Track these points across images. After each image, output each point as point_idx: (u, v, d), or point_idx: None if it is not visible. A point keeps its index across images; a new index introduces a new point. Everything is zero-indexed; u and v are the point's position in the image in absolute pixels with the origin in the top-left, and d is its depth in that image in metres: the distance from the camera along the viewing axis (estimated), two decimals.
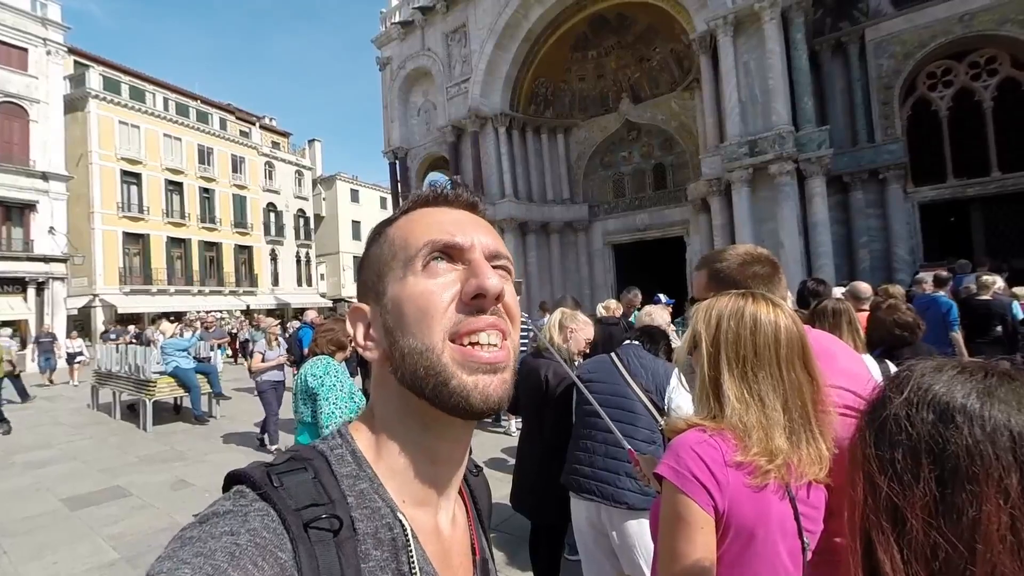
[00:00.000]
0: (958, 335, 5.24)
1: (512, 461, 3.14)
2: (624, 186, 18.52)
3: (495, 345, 0.49)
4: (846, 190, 13.10)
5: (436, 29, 18.55)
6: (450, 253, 0.50)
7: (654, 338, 2.34)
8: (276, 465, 0.46)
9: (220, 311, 26.16)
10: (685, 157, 16.75)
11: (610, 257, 18.75)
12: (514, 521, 3.90)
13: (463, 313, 0.48)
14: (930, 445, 0.44)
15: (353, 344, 0.54)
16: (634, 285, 6.32)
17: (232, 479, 0.46)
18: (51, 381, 13.91)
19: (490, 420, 7.66)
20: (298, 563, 0.39)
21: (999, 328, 5.51)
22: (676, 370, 2.13)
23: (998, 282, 5.96)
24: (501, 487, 4.67)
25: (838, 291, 4.55)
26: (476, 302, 0.49)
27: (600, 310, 5.90)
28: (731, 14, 12.08)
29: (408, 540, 0.47)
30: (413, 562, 0.46)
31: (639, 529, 2.01)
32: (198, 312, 20.34)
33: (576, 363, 2.67)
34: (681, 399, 2.09)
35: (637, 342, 2.33)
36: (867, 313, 3.97)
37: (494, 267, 0.52)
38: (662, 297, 5.58)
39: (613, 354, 2.28)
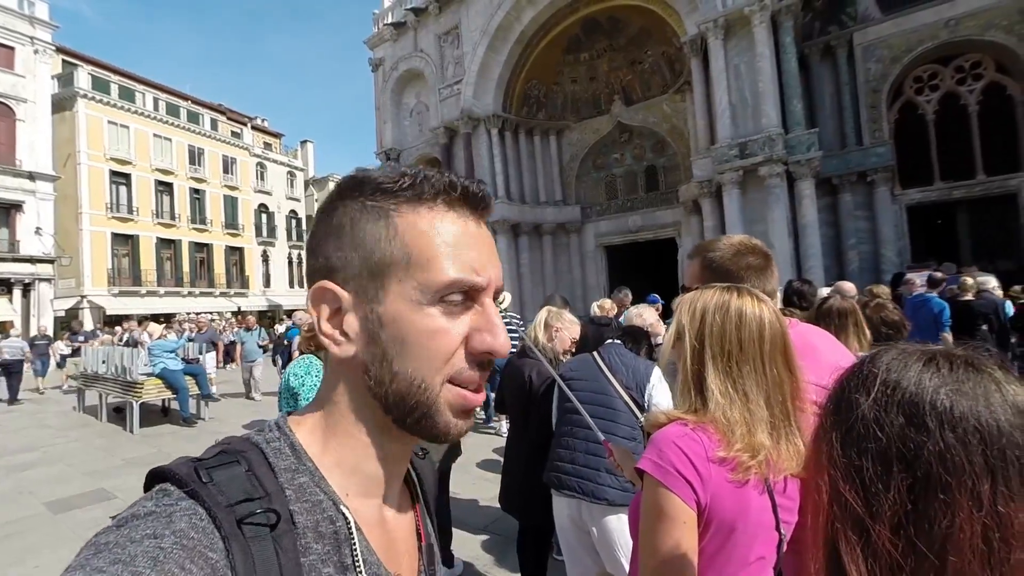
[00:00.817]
0: (948, 335, 5.32)
1: (502, 462, 3.15)
2: (616, 188, 18.60)
3: (479, 389, 0.49)
4: (835, 192, 13.24)
5: (429, 31, 18.55)
6: (468, 292, 0.48)
7: (636, 338, 2.35)
8: (205, 459, 0.43)
9: (211, 313, 25.92)
10: (677, 159, 16.85)
11: (602, 259, 18.82)
12: (503, 522, 3.88)
13: (468, 363, 0.48)
14: (901, 451, 0.42)
15: (316, 329, 0.48)
16: (625, 286, 6.34)
17: (154, 477, 0.43)
18: (40, 391, 12.73)
19: (481, 420, 7.64)
20: (231, 562, 0.37)
21: (984, 327, 5.62)
22: (656, 368, 2.14)
23: (991, 282, 6.07)
24: (492, 488, 4.65)
25: (824, 292, 4.59)
26: (484, 356, 0.48)
27: (595, 309, 5.92)
28: (721, 17, 12.19)
29: (351, 532, 0.46)
30: (356, 554, 0.45)
31: (619, 525, 2.02)
32: (187, 314, 20.14)
33: (562, 362, 2.67)
34: (661, 396, 2.10)
35: (619, 342, 2.34)
36: None
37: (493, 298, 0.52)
38: (658, 297, 5.59)
39: (595, 352, 2.29)
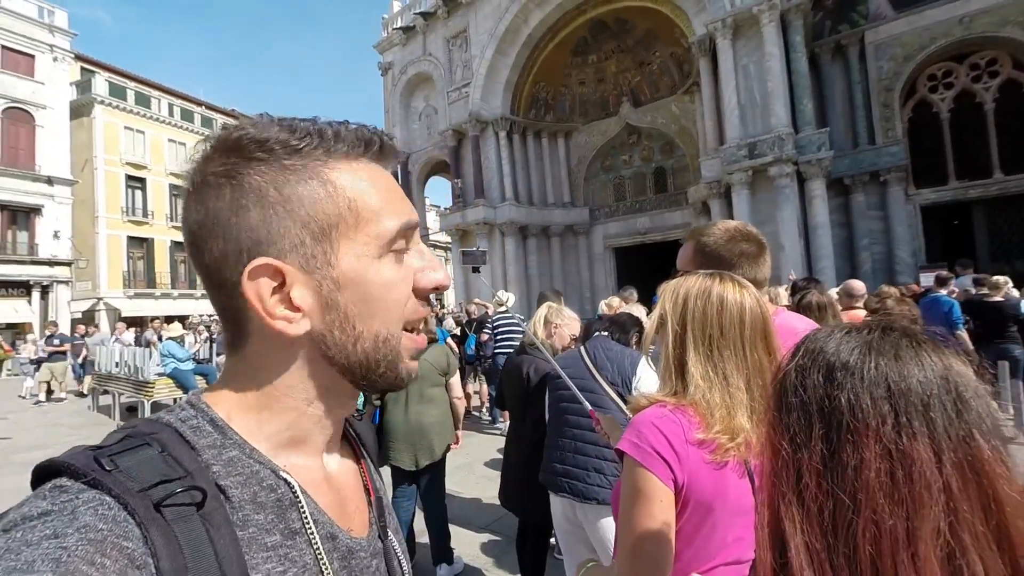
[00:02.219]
0: (963, 333, 5.24)
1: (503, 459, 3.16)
2: (625, 189, 18.55)
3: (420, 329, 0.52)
4: (847, 192, 13.07)
5: (437, 34, 18.69)
6: (406, 235, 0.49)
7: (624, 327, 2.33)
8: (106, 447, 0.39)
9: None
10: (685, 160, 16.77)
11: (611, 260, 18.76)
12: (505, 521, 3.87)
13: (417, 303, 0.50)
14: (820, 405, 0.46)
15: (260, 312, 0.43)
16: (631, 286, 6.31)
17: (44, 472, 0.38)
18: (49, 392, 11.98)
19: (487, 421, 7.64)
20: (152, 548, 0.34)
21: (1014, 328, 5.56)
22: (642, 360, 2.12)
23: (1009, 282, 5.98)
24: (494, 487, 4.65)
25: (835, 292, 4.54)
26: (432, 292, 0.50)
27: (602, 307, 5.91)
28: (730, 17, 12.12)
29: (297, 496, 0.44)
30: (305, 516, 0.44)
31: (613, 524, 2.00)
32: (200, 316, 20.41)
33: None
34: (647, 388, 2.08)
35: (606, 333, 2.31)
36: (862, 311, 3.96)
37: None
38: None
39: (582, 347, 2.28)
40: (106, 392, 9.61)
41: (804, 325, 1.45)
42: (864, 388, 0.44)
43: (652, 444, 0.93)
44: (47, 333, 12.25)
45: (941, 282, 5.97)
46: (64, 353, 11.89)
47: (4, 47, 19.42)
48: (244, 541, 0.40)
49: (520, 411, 2.76)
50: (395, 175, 0.55)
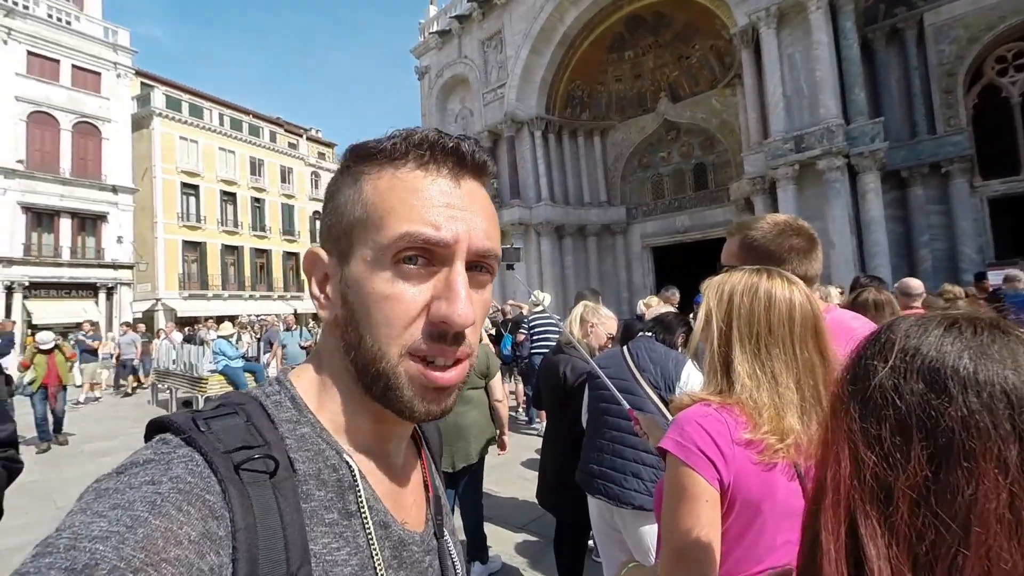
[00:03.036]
0: None
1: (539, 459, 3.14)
2: (663, 187, 18.15)
3: (451, 367, 0.47)
4: (904, 186, 12.32)
5: (473, 37, 18.85)
6: (429, 251, 0.45)
7: (670, 327, 2.25)
8: (203, 411, 0.44)
9: (269, 315, 27.38)
10: (727, 156, 16.25)
11: (649, 260, 18.39)
12: (543, 521, 3.85)
13: (426, 335, 0.45)
14: (921, 419, 0.39)
15: (309, 289, 0.51)
16: (673, 286, 6.15)
17: (154, 427, 0.44)
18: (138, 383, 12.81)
19: (524, 421, 7.63)
20: (228, 504, 0.38)
21: None
22: (688, 363, 2.05)
23: None
24: (532, 487, 4.62)
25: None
26: (438, 326, 0.45)
27: (641, 307, 5.79)
28: (774, 5, 11.64)
29: (355, 480, 0.46)
30: (361, 500, 0.46)
31: (650, 530, 1.95)
32: (249, 316, 21.35)
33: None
34: (692, 384, 2.00)
35: (651, 333, 2.24)
36: (920, 310, 3.71)
37: (479, 265, 0.48)
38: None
39: (625, 347, 2.22)
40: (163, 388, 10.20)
41: (859, 324, 1.36)
42: (982, 404, 0.37)
43: (696, 442, 0.90)
44: (79, 333, 12.07)
45: (1009, 281, 5.52)
46: (95, 352, 11.93)
47: (75, 66, 20.95)
48: (306, 513, 0.42)
49: (556, 410, 2.72)
50: (482, 175, 0.50)
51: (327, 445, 0.46)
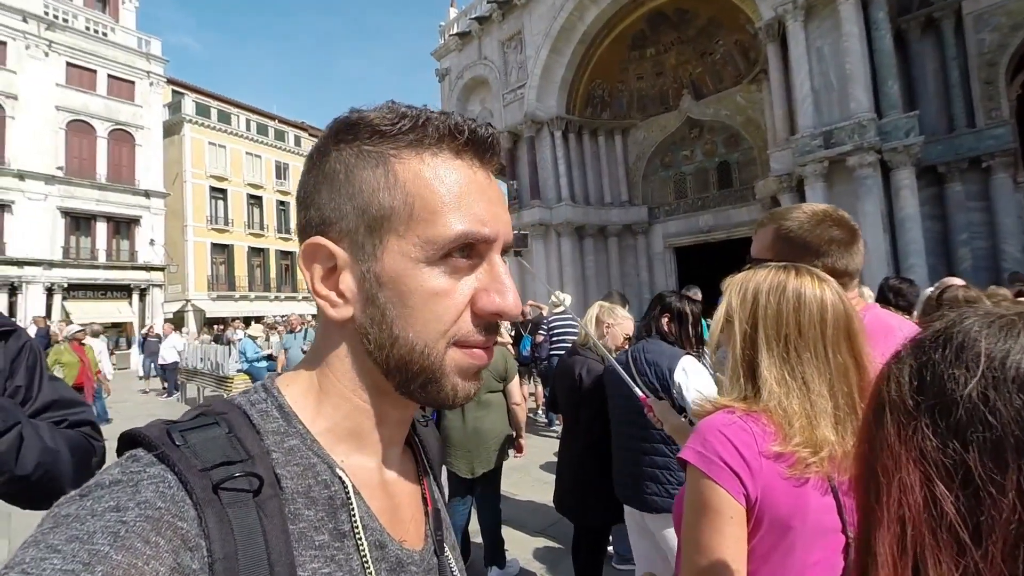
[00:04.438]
0: None
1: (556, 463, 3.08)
2: (686, 186, 17.83)
3: (489, 350, 0.46)
4: (941, 182, 11.79)
5: (492, 38, 18.86)
6: (472, 246, 0.44)
7: (681, 318, 2.15)
8: (180, 422, 0.40)
9: (293, 315, 27.93)
10: (752, 153, 15.86)
11: (671, 260, 18.09)
12: (560, 527, 3.77)
13: (474, 325, 0.44)
14: (1022, 441, 0.32)
15: (309, 287, 0.45)
16: (695, 285, 6.01)
17: (126, 441, 0.40)
18: (145, 392, 13.08)
19: (543, 423, 7.56)
20: (205, 530, 0.34)
21: None
22: (684, 358, 1.96)
23: None
24: (551, 491, 4.55)
25: (929, 292, 4.06)
26: (492, 318, 0.44)
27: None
28: None
29: (349, 497, 0.43)
30: (355, 519, 0.42)
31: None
32: (274, 317, 21.80)
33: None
34: (692, 387, 1.91)
35: (655, 337, 2.16)
36: None
37: (502, 255, 0.48)
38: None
39: (628, 352, 2.18)
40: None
41: (898, 323, 1.25)
42: None
43: (720, 454, 0.83)
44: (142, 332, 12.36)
45: None
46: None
47: (110, 76, 21.76)
48: (294, 535, 0.39)
49: (572, 412, 2.67)
50: (494, 164, 0.49)
51: (318, 459, 0.43)
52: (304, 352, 6.54)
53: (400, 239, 0.42)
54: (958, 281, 3.95)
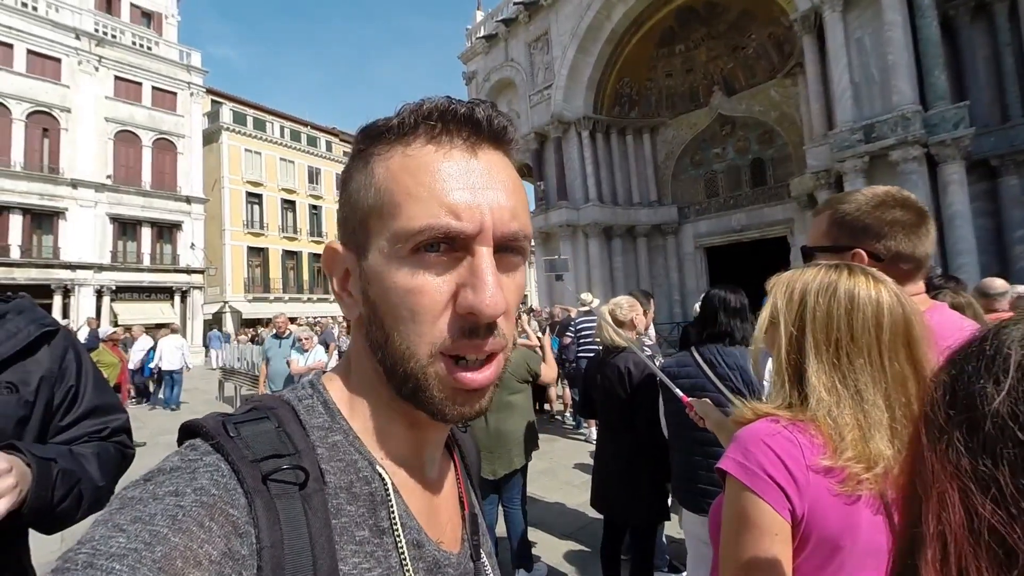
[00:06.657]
0: None
1: (593, 463, 3.04)
2: (717, 185, 17.41)
3: (484, 364, 0.43)
4: (994, 176, 11.13)
5: (519, 39, 18.87)
6: (452, 237, 0.41)
7: (740, 314, 2.08)
8: (234, 415, 0.42)
9: (325, 317, 28.62)
10: (787, 150, 15.36)
11: (702, 261, 17.68)
12: (589, 529, 3.72)
13: (456, 329, 0.41)
14: None
15: (331, 291, 0.48)
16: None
17: (186, 431, 0.42)
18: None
19: (571, 426, 7.48)
20: (254, 518, 0.35)
21: None
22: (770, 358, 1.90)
23: None
24: (578, 494, 4.49)
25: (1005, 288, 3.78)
26: (471, 319, 0.41)
27: (697, 308, 5.56)
28: None
29: (388, 495, 0.43)
30: (394, 516, 0.43)
31: None
32: (307, 318, 22.38)
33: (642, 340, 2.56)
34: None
35: (716, 345, 2.08)
36: (1007, 315, 3.28)
37: (509, 250, 0.43)
38: None
39: (693, 350, 2.09)
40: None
41: (969, 325, 1.17)
42: None
43: (763, 465, 0.77)
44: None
45: None
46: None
47: (154, 87, 22.80)
48: (336, 530, 0.39)
49: (616, 413, 2.62)
50: (501, 143, 0.46)
51: (360, 455, 0.44)
52: (288, 364, 5.78)
53: (378, 236, 0.42)
54: (999, 282, 3.69)
